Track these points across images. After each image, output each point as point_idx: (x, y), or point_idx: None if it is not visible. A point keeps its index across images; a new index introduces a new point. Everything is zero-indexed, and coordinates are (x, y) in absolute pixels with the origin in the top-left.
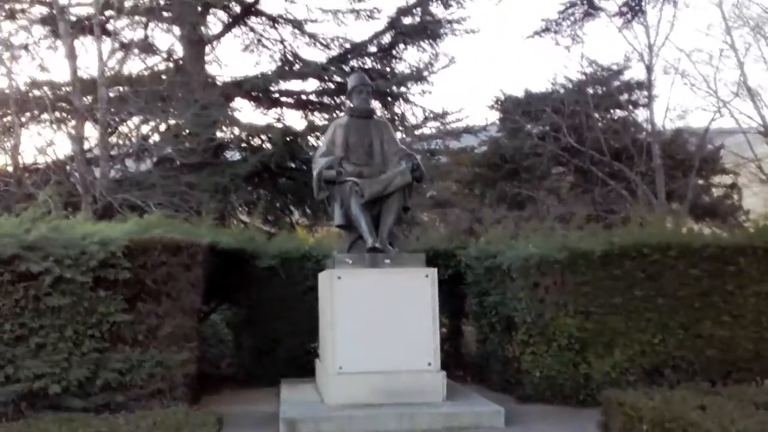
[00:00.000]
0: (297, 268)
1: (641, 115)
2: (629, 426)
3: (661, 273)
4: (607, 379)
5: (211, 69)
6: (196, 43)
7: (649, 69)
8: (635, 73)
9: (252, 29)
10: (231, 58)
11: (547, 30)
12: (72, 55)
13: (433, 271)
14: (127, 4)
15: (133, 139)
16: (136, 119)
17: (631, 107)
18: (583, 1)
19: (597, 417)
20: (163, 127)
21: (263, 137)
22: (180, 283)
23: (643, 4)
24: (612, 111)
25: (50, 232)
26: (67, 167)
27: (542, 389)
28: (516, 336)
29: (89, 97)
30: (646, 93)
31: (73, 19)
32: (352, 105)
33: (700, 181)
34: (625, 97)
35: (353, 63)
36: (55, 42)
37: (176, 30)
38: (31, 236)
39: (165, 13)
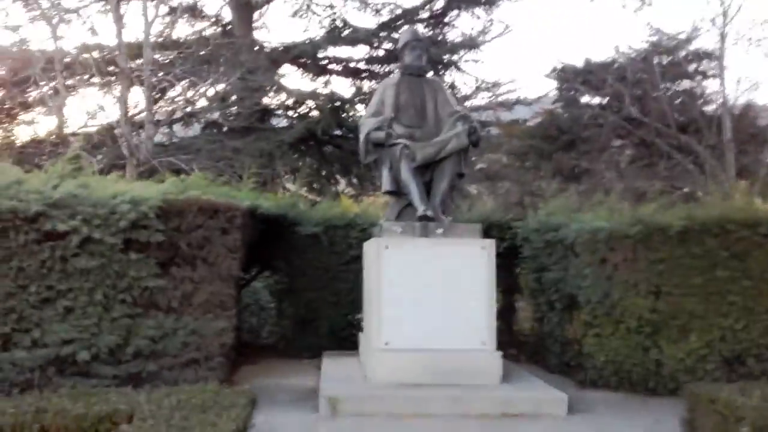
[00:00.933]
0: (341, 236)
1: (710, 86)
2: (723, 427)
3: (747, 252)
4: (681, 367)
5: (258, 35)
6: (244, 8)
7: (723, 37)
8: (703, 42)
9: None
10: (279, 24)
11: None
12: (118, 18)
13: (491, 243)
14: None
15: (180, 104)
16: (182, 83)
17: (699, 78)
18: None
19: (671, 408)
20: (210, 91)
21: (310, 104)
22: (217, 247)
23: None
24: (679, 82)
25: (78, 190)
26: (114, 130)
27: (607, 375)
28: (579, 316)
29: (138, 61)
30: (715, 63)
31: None
32: (403, 62)
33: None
34: (692, 67)
35: (404, 29)
36: (105, 5)
37: None
38: (58, 193)
39: None
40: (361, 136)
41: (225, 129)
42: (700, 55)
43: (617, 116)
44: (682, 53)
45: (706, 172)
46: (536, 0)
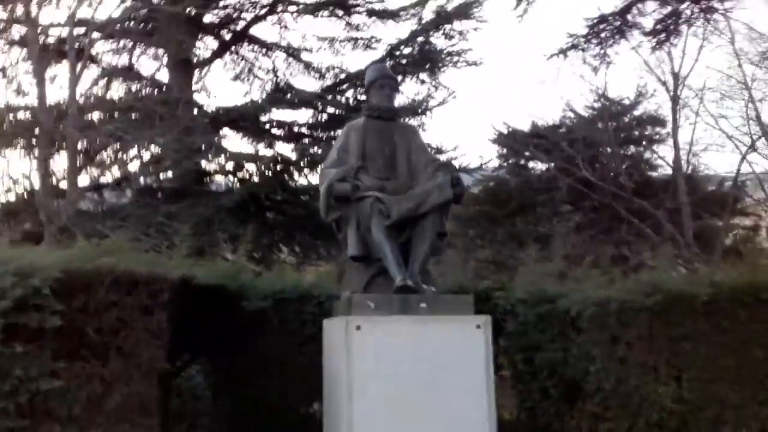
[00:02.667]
0: (294, 312)
1: (661, 150)
2: None
3: None
4: None
5: (198, 97)
6: (183, 68)
7: (675, 99)
8: (650, 106)
9: (243, 57)
10: (220, 88)
11: (574, 47)
12: (40, 76)
13: (487, 321)
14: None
15: (110, 167)
16: (113, 146)
17: (644, 143)
18: (617, 16)
19: None
20: (144, 155)
21: (251, 168)
22: (136, 332)
23: (679, 24)
24: (626, 146)
25: None
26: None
27: None
28: (584, 407)
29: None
30: (660, 129)
31: (50, 41)
32: (369, 103)
33: (719, 222)
34: (639, 131)
35: (348, 93)
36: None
37: (162, 56)
38: None
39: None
40: (322, 189)
41: (159, 195)
42: (646, 120)
43: (572, 179)
44: (626, 119)
45: (664, 237)
46: (479, 68)
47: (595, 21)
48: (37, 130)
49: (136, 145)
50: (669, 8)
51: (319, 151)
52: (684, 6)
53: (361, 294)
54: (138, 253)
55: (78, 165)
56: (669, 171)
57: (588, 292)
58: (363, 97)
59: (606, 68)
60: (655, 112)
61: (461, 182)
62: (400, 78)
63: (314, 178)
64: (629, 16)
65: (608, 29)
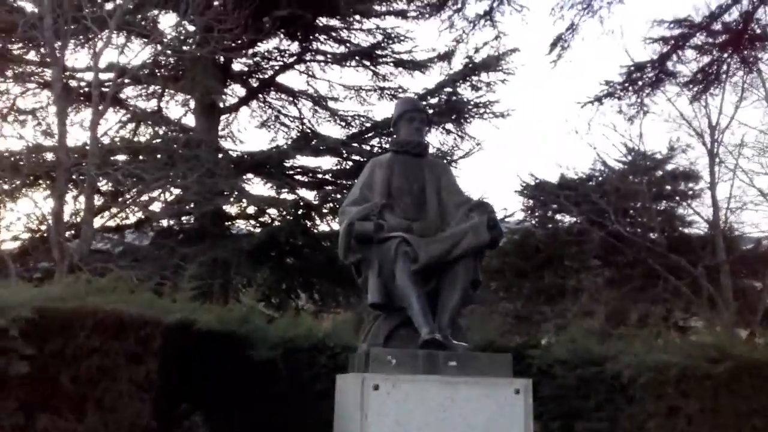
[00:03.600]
0: (305, 363)
1: (695, 206)
2: None
3: None
4: None
5: (224, 143)
6: (209, 113)
7: (712, 154)
8: (682, 162)
9: (270, 104)
10: (246, 135)
11: (610, 95)
12: (62, 116)
13: (528, 385)
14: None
15: (131, 208)
16: (134, 189)
17: (677, 198)
18: (655, 63)
19: None
20: (165, 195)
21: (273, 212)
22: (119, 384)
23: (721, 73)
24: (659, 202)
25: None
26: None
27: None
28: None
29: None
30: (693, 185)
31: (75, 84)
32: (398, 137)
33: (757, 284)
34: (671, 186)
35: (374, 141)
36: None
37: (189, 101)
38: None
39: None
40: (341, 228)
41: (180, 237)
42: (680, 175)
43: (603, 233)
44: (659, 173)
45: (702, 296)
46: (506, 120)
47: (631, 68)
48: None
49: (157, 187)
50: (709, 58)
51: (343, 197)
52: (725, 55)
53: (380, 348)
54: (136, 294)
55: (97, 205)
56: (702, 228)
57: (641, 356)
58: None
59: (642, 118)
60: (689, 168)
61: (498, 225)
62: (426, 127)
63: (336, 225)
64: (669, 64)
65: (646, 77)
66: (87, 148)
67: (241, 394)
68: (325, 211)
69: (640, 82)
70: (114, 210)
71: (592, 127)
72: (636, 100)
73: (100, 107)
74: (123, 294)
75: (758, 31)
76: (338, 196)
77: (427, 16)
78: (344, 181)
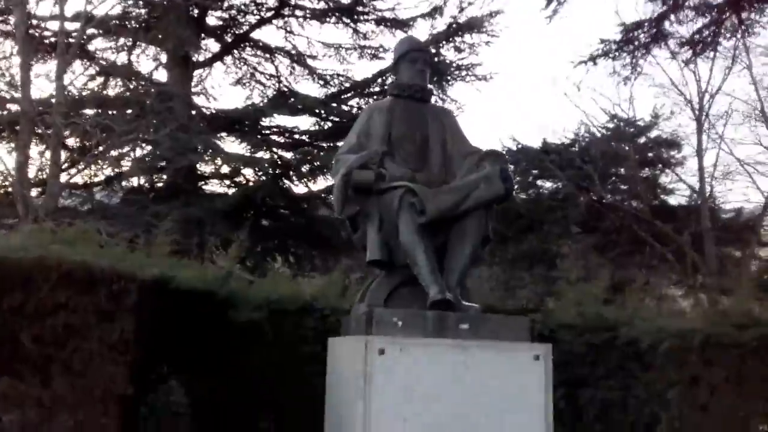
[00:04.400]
0: (292, 326)
1: (678, 174)
2: None
3: None
4: None
5: (197, 100)
6: (182, 66)
7: (699, 121)
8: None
9: (245, 61)
10: (220, 92)
11: (605, 54)
12: (26, 67)
13: (548, 350)
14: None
15: (104, 165)
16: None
17: (660, 166)
18: (653, 22)
19: None
20: (136, 151)
21: (248, 172)
22: (90, 344)
23: (717, 36)
24: (641, 169)
25: None
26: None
27: None
28: None
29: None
30: (676, 152)
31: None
32: (398, 80)
33: (737, 253)
34: (653, 154)
35: (353, 102)
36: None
37: (161, 54)
38: None
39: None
40: (337, 178)
41: (152, 195)
42: (662, 142)
43: (588, 198)
44: (643, 140)
45: (687, 264)
46: (489, 84)
47: (629, 27)
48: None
49: (128, 142)
50: (708, 18)
51: (323, 157)
52: (724, 16)
53: (381, 308)
54: (106, 248)
55: (64, 160)
56: (684, 196)
57: (658, 322)
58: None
59: (635, 79)
60: (673, 135)
61: (511, 176)
62: None
63: (316, 185)
64: (666, 24)
65: (643, 37)
66: (53, 100)
67: (223, 358)
68: (303, 171)
69: (636, 42)
70: (82, 165)
71: (581, 89)
72: (630, 60)
73: (67, 56)
74: (92, 247)
75: None
76: (318, 156)
77: None
78: (323, 143)
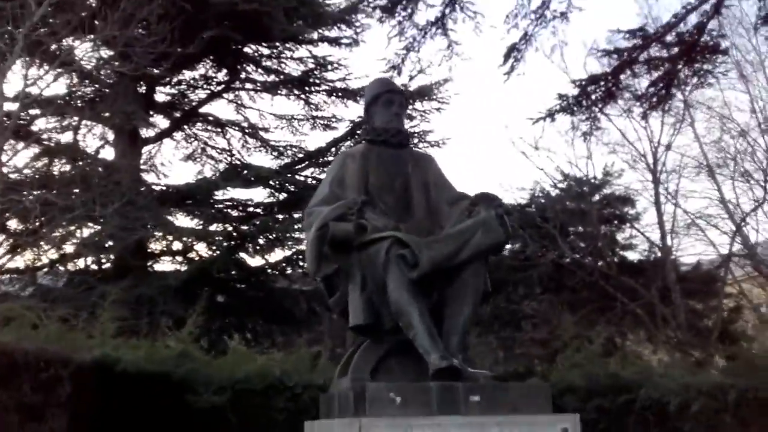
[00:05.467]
0: (259, 408)
1: (631, 231)
2: None
3: None
4: None
5: (147, 177)
6: (131, 145)
7: (654, 174)
8: (625, 182)
9: (195, 136)
10: (170, 169)
11: (563, 110)
12: None
13: (575, 421)
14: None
15: (46, 247)
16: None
17: (616, 222)
18: (608, 76)
19: None
20: (81, 231)
21: (201, 248)
22: None
23: (672, 89)
24: (600, 226)
25: None
26: None
27: None
28: None
29: None
30: (629, 209)
31: None
32: (371, 124)
33: (699, 306)
34: (610, 211)
35: (307, 172)
36: None
37: (108, 133)
38: None
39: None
40: (310, 233)
41: (99, 276)
42: (616, 199)
43: (553, 256)
44: (596, 197)
45: (657, 318)
46: (441, 149)
47: (585, 82)
48: None
49: (72, 220)
50: (661, 71)
51: (278, 228)
52: (678, 66)
53: (376, 382)
54: (40, 329)
55: (1, 242)
56: (640, 251)
57: (679, 378)
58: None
59: (593, 133)
60: (626, 191)
61: (507, 222)
62: None
63: (273, 257)
64: (621, 77)
65: (599, 91)
66: None
67: None
68: (261, 242)
69: (594, 96)
70: (22, 248)
71: (538, 148)
72: (589, 115)
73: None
74: (22, 329)
75: (711, 42)
76: (275, 227)
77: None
78: (278, 215)
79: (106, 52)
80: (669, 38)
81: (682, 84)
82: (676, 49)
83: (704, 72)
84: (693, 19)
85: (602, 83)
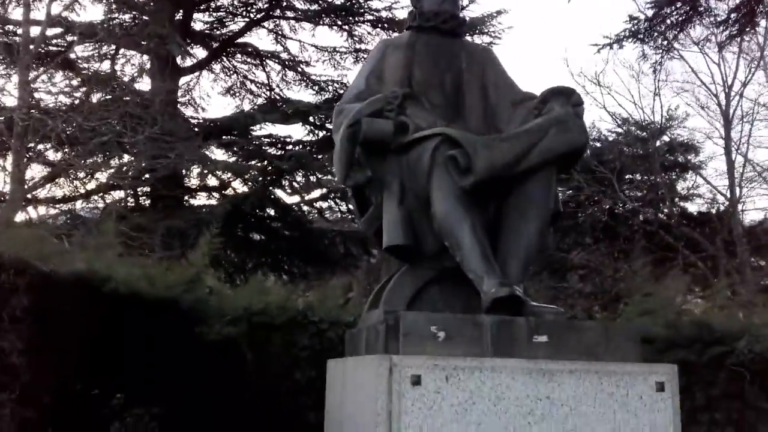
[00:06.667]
0: (280, 344)
1: (696, 179)
2: None
3: None
4: None
5: (184, 110)
6: (168, 76)
7: (727, 117)
8: (682, 132)
9: (234, 68)
10: (209, 103)
11: (634, 35)
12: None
13: (673, 374)
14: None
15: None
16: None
17: (677, 170)
18: None
19: None
20: (115, 161)
21: (237, 185)
22: None
23: (756, 15)
24: (658, 175)
25: None
26: None
27: None
28: None
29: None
30: (692, 156)
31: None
32: (420, 8)
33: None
34: (673, 157)
35: None
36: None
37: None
38: None
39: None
40: (340, 132)
41: (133, 207)
42: (678, 146)
43: (610, 204)
44: (657, 143)
45: (720, 272)
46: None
47: (663, 1)
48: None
49: (103, 147)
50: None
51: (317, 165)
52: None
53: (406, 312)
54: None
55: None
56: (701, 202)
57: None
58: None
59: (667, 61)
60: (689, 138)
61: (584, 123)
62: None
63: (311, 195)
64: None
65: (677, 13)
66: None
67: (188, 388)
68: (298, 178)
69: (669, 20)
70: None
71: (601, 82)
72: (662, 42)
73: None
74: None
75: None
76: (313, 163)
77: None
78: (317, 155)
79: None
80: None
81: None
82: None
83: None
84: None
85: (680, 4)
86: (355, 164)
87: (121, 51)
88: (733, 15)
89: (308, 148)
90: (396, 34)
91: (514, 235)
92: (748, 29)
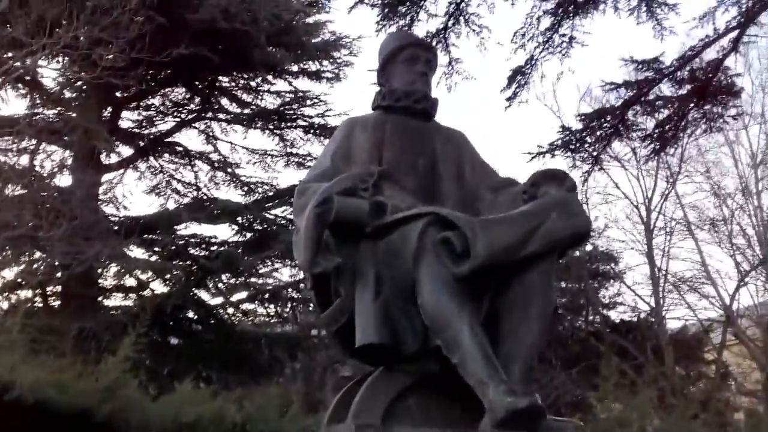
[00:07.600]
0: None
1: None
2: None
3: None
4: None
5: (105, 209)
6: (90, 173)
7: (648, 227)
8: (600, 241)
9: (161, 168)
10: (131, 202)
11: (565, 146)
12: None
13: None
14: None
15: None
16: None
17: (599, 279)
18: (616, 111)
19: None
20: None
21: (157, 283)
22: None
23: (679, 129)
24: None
25: None
26: None
27: None
28: None
29: None
30: (612, 265)
31: None
32: (389, 87)
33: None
34: (593, 267)
35: (278, 210)
36: None
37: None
38: None
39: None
40: (306, 213)
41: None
42: (599, 256)
43: None
44: (577, 253)
45: (648, 381)
46: None
47: (593, 114)
48: None
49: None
50: (671, 109)
51: (245, 263)
52: (689, 107)
53: (377, 427)
54: None
55: None
56: (627, 310)
57: None
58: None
59: (595, 172)
60: (608, 249)
61: (585, 210)
62: None
63: (237, 295)
64: (629, 114)
65: (605, 127)
66: None
67: None
68: (225, 279)
69: (599, 132)
70: None
71: None
72: (591, 153)
73: None
74: None
75: (725, 82)
76: (242, 262)
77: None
78: (246, 256)
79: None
80: (682, 74)
81: (691, 127)
82: (687, 87)
83: (716, 115)
84: (710, 54)
85: (609, 118)
86: (319, 250)
87: (42, 146)
88: (657, 130)
89: (235, 248)
90: (361, 114)
91: (516, 335)
92: (670, 144)
